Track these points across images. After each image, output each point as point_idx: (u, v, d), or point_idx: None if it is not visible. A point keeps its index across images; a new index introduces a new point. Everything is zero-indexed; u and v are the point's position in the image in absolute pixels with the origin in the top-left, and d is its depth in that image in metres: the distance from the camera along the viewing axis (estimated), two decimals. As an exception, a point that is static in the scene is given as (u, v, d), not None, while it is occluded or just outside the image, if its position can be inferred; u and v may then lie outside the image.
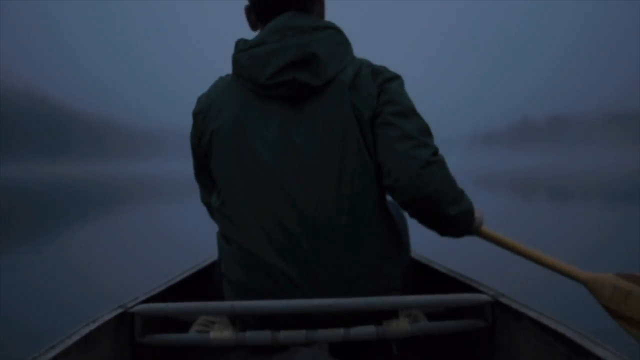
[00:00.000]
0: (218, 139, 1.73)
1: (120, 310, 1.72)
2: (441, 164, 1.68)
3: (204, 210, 2.00)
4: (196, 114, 1.81)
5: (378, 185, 1.70)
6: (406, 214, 1.84)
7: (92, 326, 1.60)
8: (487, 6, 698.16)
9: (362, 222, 1.66)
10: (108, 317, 1.67)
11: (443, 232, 1.79)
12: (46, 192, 28.86)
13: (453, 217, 1.71)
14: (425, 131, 1.71)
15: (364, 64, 1.76)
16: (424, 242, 2.00)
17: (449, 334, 1.78)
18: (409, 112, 1.71)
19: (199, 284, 2.35)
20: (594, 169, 54.02)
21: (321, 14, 1.86)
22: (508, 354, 1.73)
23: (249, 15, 1.88)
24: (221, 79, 1.83)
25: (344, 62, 1.72)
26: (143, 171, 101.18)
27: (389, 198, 1.80)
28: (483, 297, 1.73)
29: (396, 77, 1.77)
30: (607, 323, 2.04)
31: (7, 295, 5.27)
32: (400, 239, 1.80)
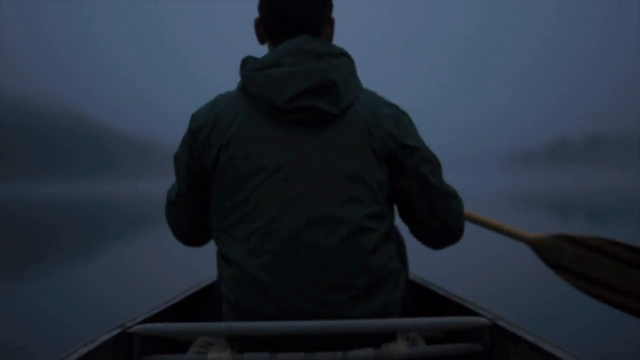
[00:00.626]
0: (226, 157, 1.71)
1: (118, 330, 1.72)
2: (463, 209, 1.89)
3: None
4: (197, 130, 1.76)
5: (385, 213, 1.75)
6: (405, 237, 2.00)
7: (91, 346, 1.59)
8: (522, 24, 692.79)
9: (366, 248, 1.68)
10: (107, 337, 1.67)
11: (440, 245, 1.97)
12: (88, 209, 29.30)
13: (457, 237, 1.91)
14: (443, 177, 1.85)
15: (379, 98, 1.80)
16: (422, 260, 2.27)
17: (447, 357, 1.77)
18: (434, 162, 1.81)
19: (197, 305, 2.34)
20: (633, 189, 53.01)
21: (330, 36, 1.87)
22: None
23: (258, 28, 1.87)
24: (222, 95, 1.81)
25: (357, 91, 1.75)
26: None
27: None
28: (481, 320, 1.75)
29: (411, 120, 1.84)
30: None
31: (57, 308, 5.54)
32: (399, 264, 1.81)
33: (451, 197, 1.83)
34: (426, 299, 2.38)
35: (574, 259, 2.32)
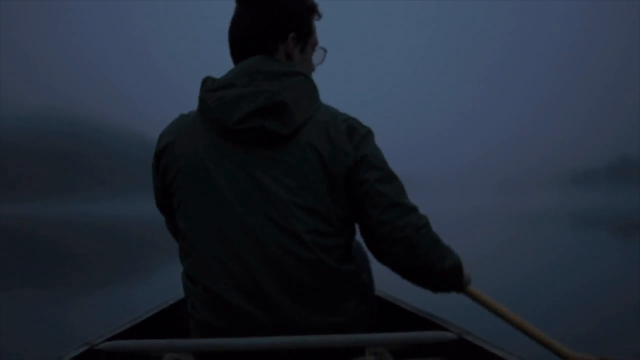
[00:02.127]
0: (181, 179, 1.74)
1: (86, 347, 1.72)
2: (428, 225, 1.78)
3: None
4: (159, 153, 1.80)
5: (342, 230, 1.75)
6: (369, 254, 1.93)
7: None
8: (584, 47, 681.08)
9: (326, 264, 1.69)
10: (73, 354, 1.68)
11: (435, 288, 1.87)
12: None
13: (442, 272, 1.80)
14: (404, 192, 1.79)
15: (335, 114, 1.78)
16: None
17: None
18: (390, 176, 1.77)
19: (165, 322, 2.34)
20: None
21: (291, 54, 1.85)
22: None
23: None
24: (183, 115, 1.83)
25: (311, 110, 1.74)
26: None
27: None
28: (448, 335, 1.72)
29: (370, 134, 1.80)
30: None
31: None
32: (363, 279, 1.82)
33: (404, 208, 1.75)
34: (393, 315, 2.39)
35: None
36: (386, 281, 2.18)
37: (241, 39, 1.83)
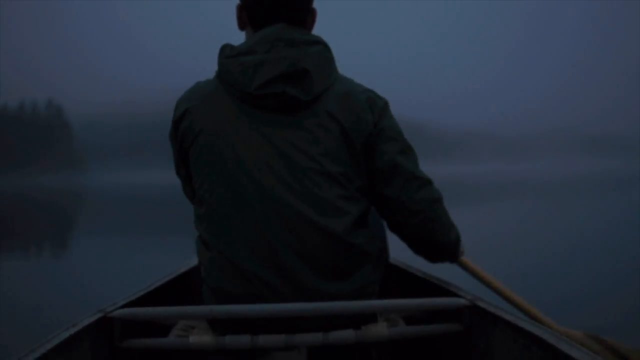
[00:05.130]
0: (200, 145, 1.74)
1: (99, 315, 1.71)
2: (442, 199, 1.84)
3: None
4: (177, 120, 1.80)
5: (358, 196, 1.75)
6: (384, 222, 1.93)
7: (72, 330, 1.59)
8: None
9: (342, 231, 1.69)
10: (88, 321, 1.66)
11: (434, 258, 1.93)
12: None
13: (448, 244, 1.88)
14: (418, 164, 1.83)
15: (354, 84, 1.80)
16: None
17: (427, 338, 1.77)
18: (408, 148, 1.81)
19: (178, 289, 2.33)
20: None
21: (311, 26, 1.88)
22: (486, 357, 1.71)
23: (240, 14, 1.87)
24: (200, 83, 1.83)
25: (331, 79, 1.75)
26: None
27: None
28: (460, 301, 1.75)
29: (387, 105, 1.82)
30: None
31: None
32: (377, 245, 1.82)
33: (422, 181, 1.80)
34: (407, 282, 2.38)
35: None
36: (401, 248, 2.16)
37: (272, 5, 1.79)
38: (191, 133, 1.75)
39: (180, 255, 5.48)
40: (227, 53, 1.75)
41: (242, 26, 1.88)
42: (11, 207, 24.57)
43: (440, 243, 1.85)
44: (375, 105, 1.78)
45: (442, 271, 2.23)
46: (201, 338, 1.67)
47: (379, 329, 1.70)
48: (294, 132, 1.69)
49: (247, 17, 1.84)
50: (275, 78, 1.67)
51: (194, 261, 2.39)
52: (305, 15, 1.82)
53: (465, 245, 2.02)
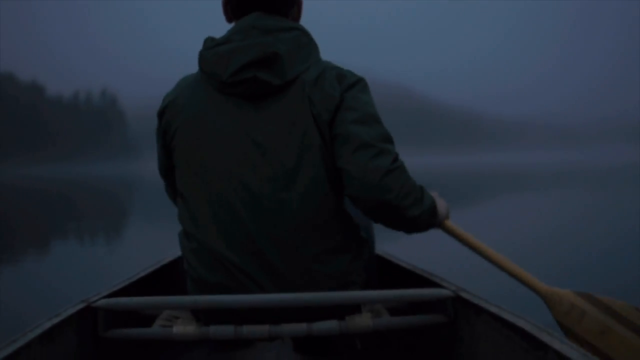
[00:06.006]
0: (179, 137, 1.75)
1: (83, 305, 1.70)
2: (401, 169, 1.69)
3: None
4: (161, 112, 1.82)
5: (336, 184, 1.72)
6: None
7: (55, 320, 1.58)
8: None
9: (320, 218, 1.68)
10: (71, 311, 1.66)
11: (408, 231, 1.80)
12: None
13: (415, 218, 1.72)
14: (385, 138, 1.70)
15: (328, 66, 1.77)
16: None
17: (411, 329, 1.76)
18: (368, 118, 1.71)
19: (162, 280, 2.33)
20: None
21: (297, 17, 1.88)
22: (469, 348, 1.72)
23: (225, 8, 1.87)
24: (185, 77, 1.85)
25: (307, 63, 1.73)
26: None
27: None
28: (444, 292, 1.74)
29: (359, 81, 1.77)
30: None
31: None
32: (360, 235, 1.81)
33: (375, 150, 1.66)
34: (392, 273, 2.37)
35: (595, 330, 1.85)
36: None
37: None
38: (173, 125, 1.77)
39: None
40: (207, 44, 1.77)
41: (229, 19, 1.88)
42: (75, 193, 25.15)
43: (406, 216, 1.70)
44: (344, 80, 1.74)
45: (430, 263, 2.24)
46: (185, 328, 1.67)
47: (363, 320, 1.70)
48: (268, 118, 1.69)
49: (230, 9, 1.85)
50: (248, 64, 1.67)
51: (178, 252, 2.39)
52: (286, 5, 1.81)
53: (451, 207, 1.94)
